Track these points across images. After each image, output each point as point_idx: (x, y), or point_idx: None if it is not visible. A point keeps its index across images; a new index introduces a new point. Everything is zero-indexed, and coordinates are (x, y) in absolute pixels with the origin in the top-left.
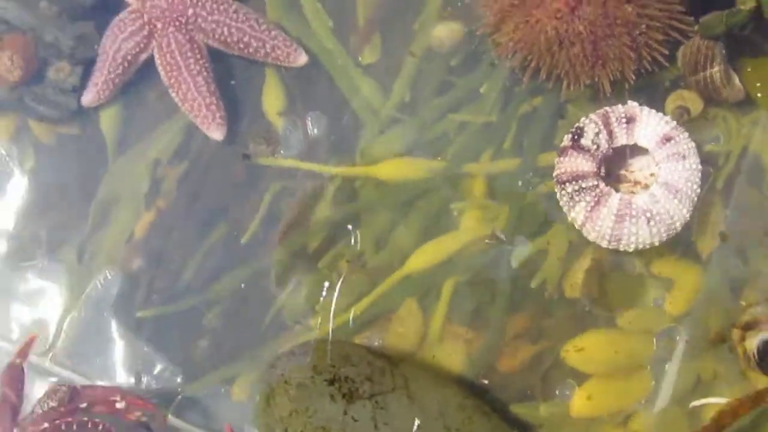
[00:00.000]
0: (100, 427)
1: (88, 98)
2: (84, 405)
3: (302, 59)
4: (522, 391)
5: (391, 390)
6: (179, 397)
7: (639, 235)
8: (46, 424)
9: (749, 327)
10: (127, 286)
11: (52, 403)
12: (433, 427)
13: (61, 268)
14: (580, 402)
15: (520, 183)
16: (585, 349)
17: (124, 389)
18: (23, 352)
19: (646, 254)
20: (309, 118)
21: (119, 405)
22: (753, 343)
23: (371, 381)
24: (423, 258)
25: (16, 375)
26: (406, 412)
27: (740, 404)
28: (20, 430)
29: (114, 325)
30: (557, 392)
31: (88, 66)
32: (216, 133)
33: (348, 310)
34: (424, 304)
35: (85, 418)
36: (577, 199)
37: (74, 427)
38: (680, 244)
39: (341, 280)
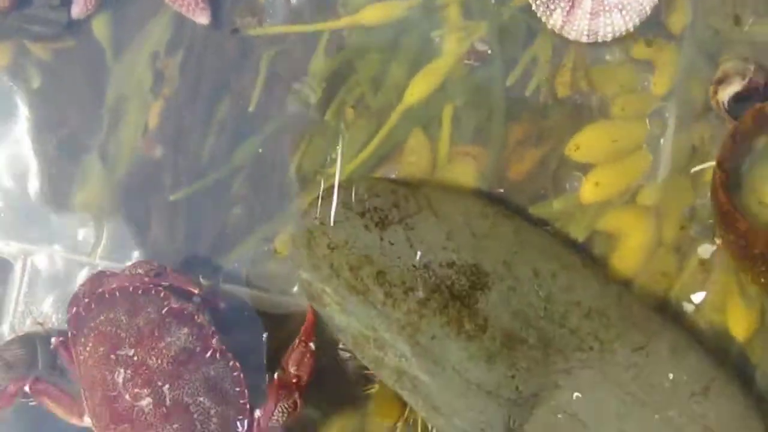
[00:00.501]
0: (162, 294)
1: (76, 11)
2: (166, 284)
3: None
4: (535, 193)
5: (417, 212)
6: (227, 265)
7: (614, 24)
8: (126, 284)
9: (720, 81)
10: (155, 175)
11: (140, 270)
12: (461, 237)
13: (89, 172)
14: (588, 189)
15: (492, 0)
16: (586, 144)
17: (204, 285)
18: None
19: (624, 41)
20: None
21: (195, 299)
22: (724, 95)
23: (397, 207)
24: (418, 88)
25: None
26: (434, 228)
27: None
28: (107, 285)
29: (151, 214)
30: (567, 186)
31: None
32: (202, 18)
33: (362, 150)
34: (429, 132)
35: (151, 285)
36: (552, 7)
37: (140, 291)
38: (653, 27)
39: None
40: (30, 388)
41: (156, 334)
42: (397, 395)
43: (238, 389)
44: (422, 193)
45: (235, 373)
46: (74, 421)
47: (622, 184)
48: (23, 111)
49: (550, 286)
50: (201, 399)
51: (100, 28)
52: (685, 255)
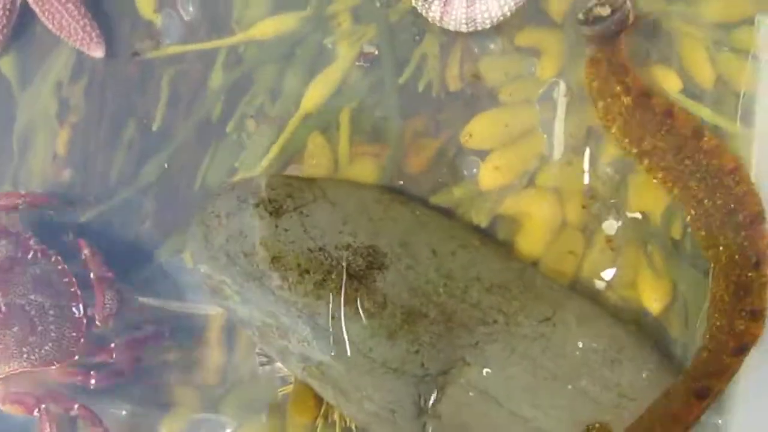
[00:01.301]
0: None
1: None
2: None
3: None
4: (435, 184)
5: (312, 201)
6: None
7: (490, 11)
8: None
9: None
10: (65, 198)
11: None
12: (358, 221)
13: None
14: (486, 175)
15: (378, 4)
16: (478, 131)
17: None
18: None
19: (506, 30)
20: (180, 6)
21: (21, 207)
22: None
23: (292, 197)
24: (315, 94)
25: None
26: (329, 214)
27: None
28: None
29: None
30: (466, 173)
31: None
32: (97, 52)
33: (263, 158)
34: (329, 134)
35: None
36: (430, 0)
37: None
38: (534, 14)
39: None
40: None
41: None
42: (312, 392)
43: (65, 279)
44: (318, 185)
45: (59, 266)
46: None
47: (520, 168)
48: None
49: (449, 264)
50: (32, 297)
51: (7, 66)
52: (592, 233)
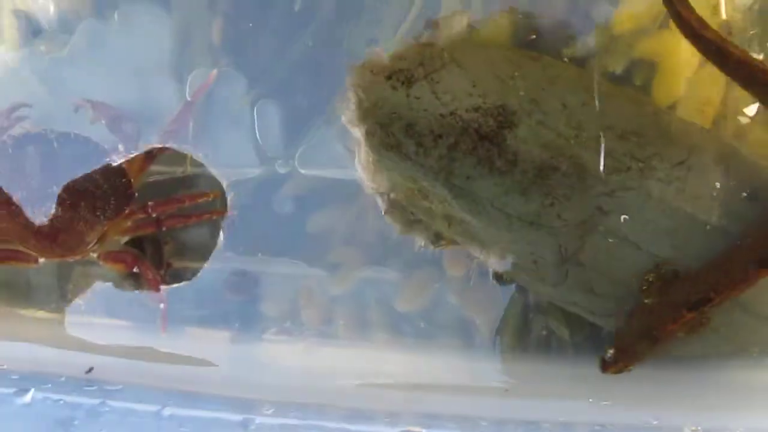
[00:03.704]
0: None
1: None
2: None
3: None
4: (569, 34)
5: (442, 66)
6: None
7: None
8: None
9: None
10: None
11: None
12: (487, 82)
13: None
14: (620, 18)
15: None
16: None
17: None
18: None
19: None
20: None
21: None
22: None
23: (423, 65)
24: None
25: None
26: (459, 78)
27: None
28: None
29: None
30: (599, 21)
31: None
32: None
33: (399, 27)
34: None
35: None
36: None
37: None
38: None
39: None
40: None
41: None
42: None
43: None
44: (447, 49)
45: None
46: None
47: (654, 9)
48: None
49: (580, 116)
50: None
51: None
52: None
